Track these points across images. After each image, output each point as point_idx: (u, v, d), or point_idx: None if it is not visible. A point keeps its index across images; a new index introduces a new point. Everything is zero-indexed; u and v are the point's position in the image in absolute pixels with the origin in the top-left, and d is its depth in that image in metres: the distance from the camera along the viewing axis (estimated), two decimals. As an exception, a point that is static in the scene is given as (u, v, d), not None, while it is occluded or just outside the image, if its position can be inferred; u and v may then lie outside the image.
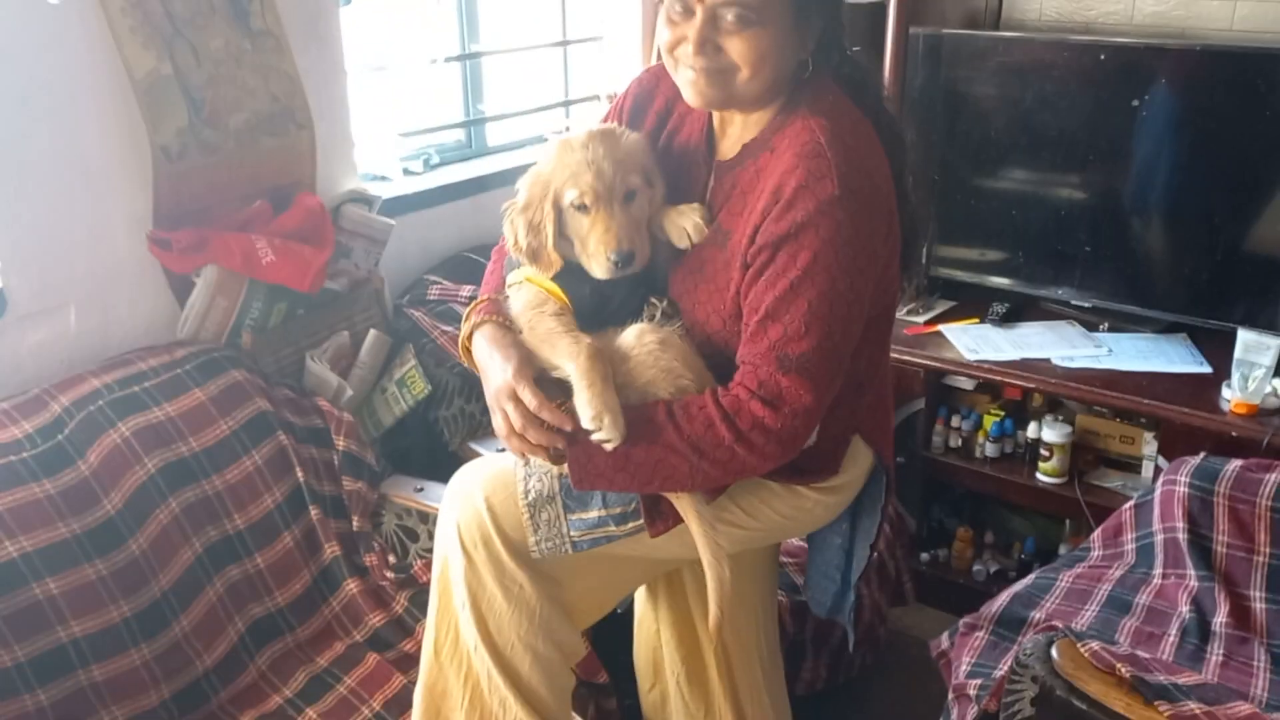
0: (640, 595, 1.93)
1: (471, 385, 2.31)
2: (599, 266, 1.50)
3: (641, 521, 1.54)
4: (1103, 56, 2.73)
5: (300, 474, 2.05)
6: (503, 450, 1.61)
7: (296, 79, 2.24)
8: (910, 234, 1.56)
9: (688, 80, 1.47)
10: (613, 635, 1.97)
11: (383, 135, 2.61)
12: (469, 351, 1.61)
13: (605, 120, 1.67)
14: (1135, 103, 2.69)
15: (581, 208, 1.49)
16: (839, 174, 1.37)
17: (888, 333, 1.63)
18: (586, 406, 1.44)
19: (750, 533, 1.63)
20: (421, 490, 2.15)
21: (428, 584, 1.99)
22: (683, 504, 1.52)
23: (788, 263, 1.39)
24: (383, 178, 2.63)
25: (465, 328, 1.61)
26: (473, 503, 1.59)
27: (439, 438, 2.32)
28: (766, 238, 1.41)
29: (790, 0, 1.41)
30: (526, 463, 1.58)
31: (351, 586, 2.02)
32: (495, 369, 1.51)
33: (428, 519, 2.12)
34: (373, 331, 2.34)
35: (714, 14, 1.40)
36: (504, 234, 1.56)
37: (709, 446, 1.42)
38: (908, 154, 1.54)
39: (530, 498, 1.56)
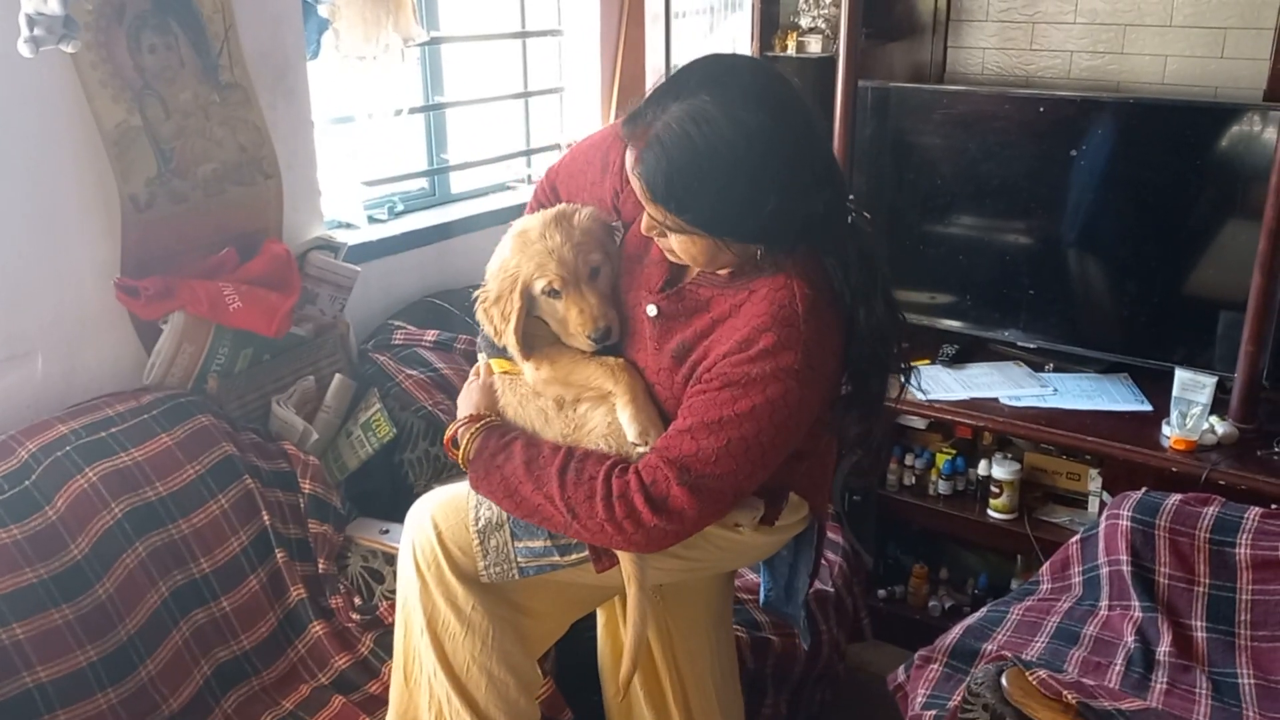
0: (600, 613, 1.98)
1: (436, 429, 2.35)
2: (580, 344, 1.60)
3: (585, 554, 1.61)
4: (1042, 109, 2.86)
5: (266, 517, 2.07)
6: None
7: (264, 130, 2.29)
8: (872, 404, 1.57)
9: None
10: (578, 674, 2.00)
11: (348, 184, 2.66)
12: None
13: (564, 188, 1.77)
14: (1073, 152, 2.82)
15: (553, 293, 1.59)
16: (805, 349, 1.43)
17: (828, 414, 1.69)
18: (632, 423, 1.54)
19: (690, 564, 1.69)
20: (387, 532, 2.17)
21: (393, 625, 2.01)
22: (623, 557, 1.59)
23: (728, 401, 1.45)
24: (348, 225, 2.67)
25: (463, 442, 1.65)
26: (425, 529, 1.66)
27: (404, 480, 2.35)
28: (720, 372, 1.47)
29: (706, 232, 1.43)
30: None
31: (317, 629, 2.04)
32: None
33: (393, 561, 2.13)
34: (338, 376, 2.37)
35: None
36: (479, 322, 1.68)
37: (584, 515, 1.49)
38: (882, 359, 1.54)
39: (480, 524, 1.63)
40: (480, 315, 1.67)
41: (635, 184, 1.44)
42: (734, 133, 1.35)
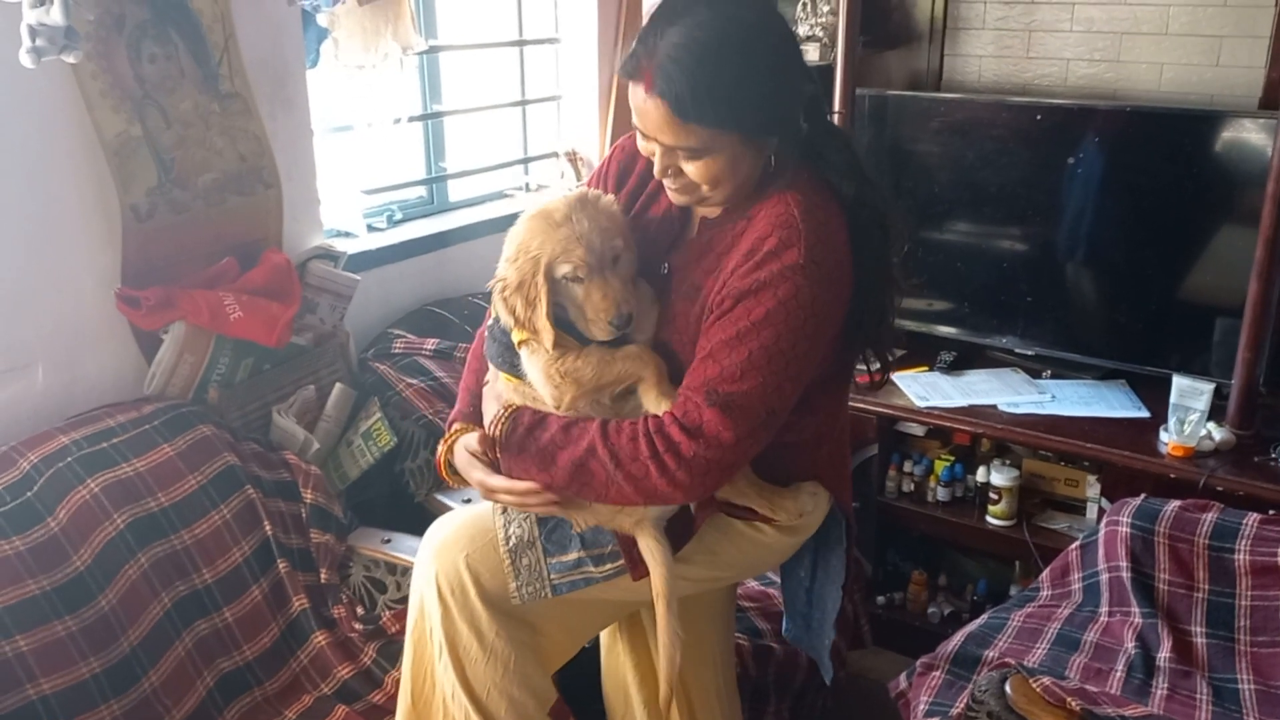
0: (604, 631, 1.97)
1: (436, 437, 2.35)
2: (600, 331, 1.55)
3: (620, 564, 1.61)
4: (1039, 116, 2.86)
5: (268, 527, 2.07)
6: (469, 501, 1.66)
7: (264, 139, 2.29)
8: (877, 310, 1.61)
9: (665, 189, 1.59)
10: (582, 682, 1.99)
11: (348, 193, 2.66)
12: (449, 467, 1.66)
13: (590, 184, 1.76)
14: (1070, 160, 2.82)
15: (576, 279, 1.53)
16: (806, 244, 1.46)
17: (845, 391, 1.72)
18: (659, 401, 1.53)
19: (716, 572, 1.70)
20: (389, 541, 2.17)
21: (396, 635, 2.02)
22: (652, 561, 1.58)
23: (742, 314, 1.47)
24: (348, 234, 2.67)
25: (443, 448, 1.65)
26: (451, 554, 1.63)
27: (405, 489, 2.34)
28: (730, 290, 1.49)
29: (734, 133, 1.48)
30: (504, 510, 1.63)
31: (320, 639, 2.04)
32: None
33: (395, 570, 2.14)
34: (338, 385, 2.37)
35: (668, 148, 1.50)
36: (494, 311, 1.59)
37: (627, 458, 1.48)
38: (889, 238, 1.59)
39: (511, 544, 1.62)
40: (498, 305, 1.57)
41: (654, 112, 1.46)
42: (736, 29, 1.45)
